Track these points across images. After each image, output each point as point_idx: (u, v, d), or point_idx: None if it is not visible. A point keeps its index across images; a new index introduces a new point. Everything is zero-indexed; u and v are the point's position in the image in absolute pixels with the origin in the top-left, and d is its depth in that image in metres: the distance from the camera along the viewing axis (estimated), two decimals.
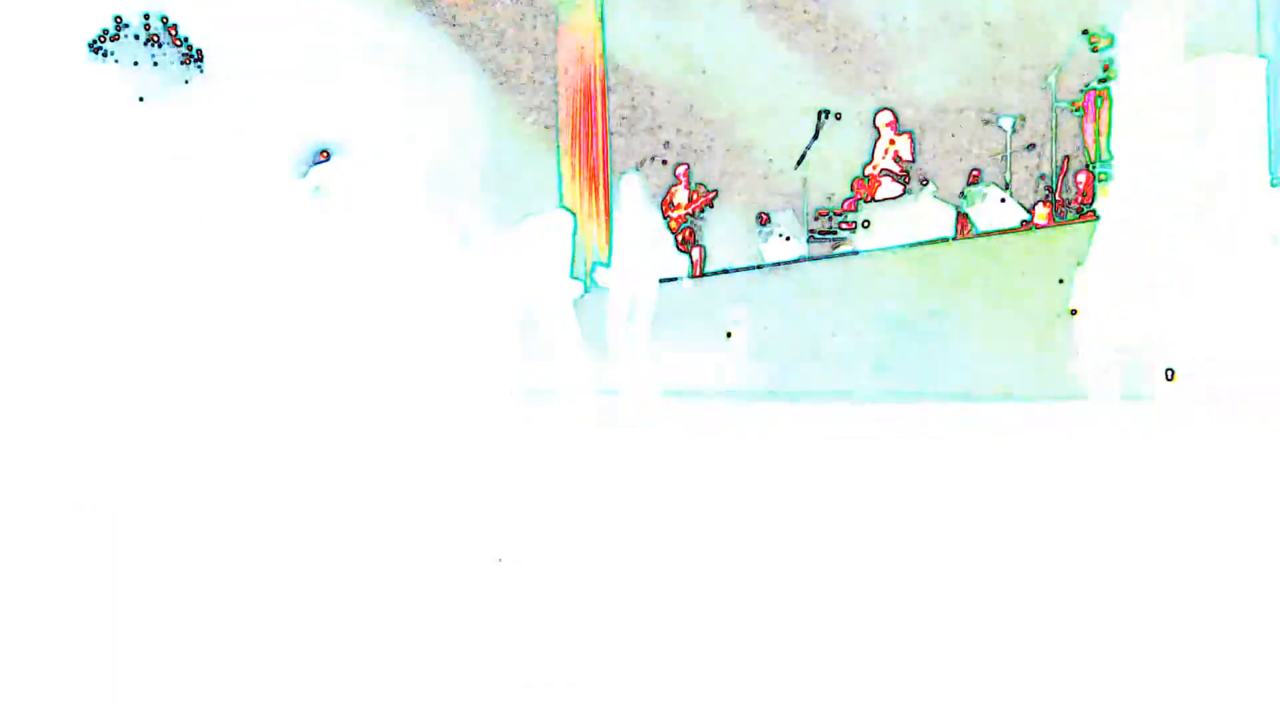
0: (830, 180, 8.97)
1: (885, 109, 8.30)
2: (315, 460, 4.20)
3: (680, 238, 10.42)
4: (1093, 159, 6.76)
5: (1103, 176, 6.65)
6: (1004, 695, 1.13)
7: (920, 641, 1.33)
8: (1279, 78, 7.12)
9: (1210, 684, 1.15)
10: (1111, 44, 6.56)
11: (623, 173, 8.21)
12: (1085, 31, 6.67)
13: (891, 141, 8.22)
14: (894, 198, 7.82)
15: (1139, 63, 4.98)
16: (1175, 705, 1.09)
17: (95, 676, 1.28)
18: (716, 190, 10.31)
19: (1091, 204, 6.70)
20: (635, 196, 7.65)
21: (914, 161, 8.04)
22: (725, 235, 10.45)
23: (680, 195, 10.71)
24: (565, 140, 12.62)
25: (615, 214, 7.87)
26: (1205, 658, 1.24)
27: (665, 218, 10.56)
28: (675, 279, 7.73)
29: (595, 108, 12.51)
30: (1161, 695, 1.12)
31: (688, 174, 10.65)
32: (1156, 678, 1.17)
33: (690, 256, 10.15)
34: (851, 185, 8.61)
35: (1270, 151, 6.39)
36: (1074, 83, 6.91)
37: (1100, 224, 6.10)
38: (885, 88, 9.34)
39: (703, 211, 10.38)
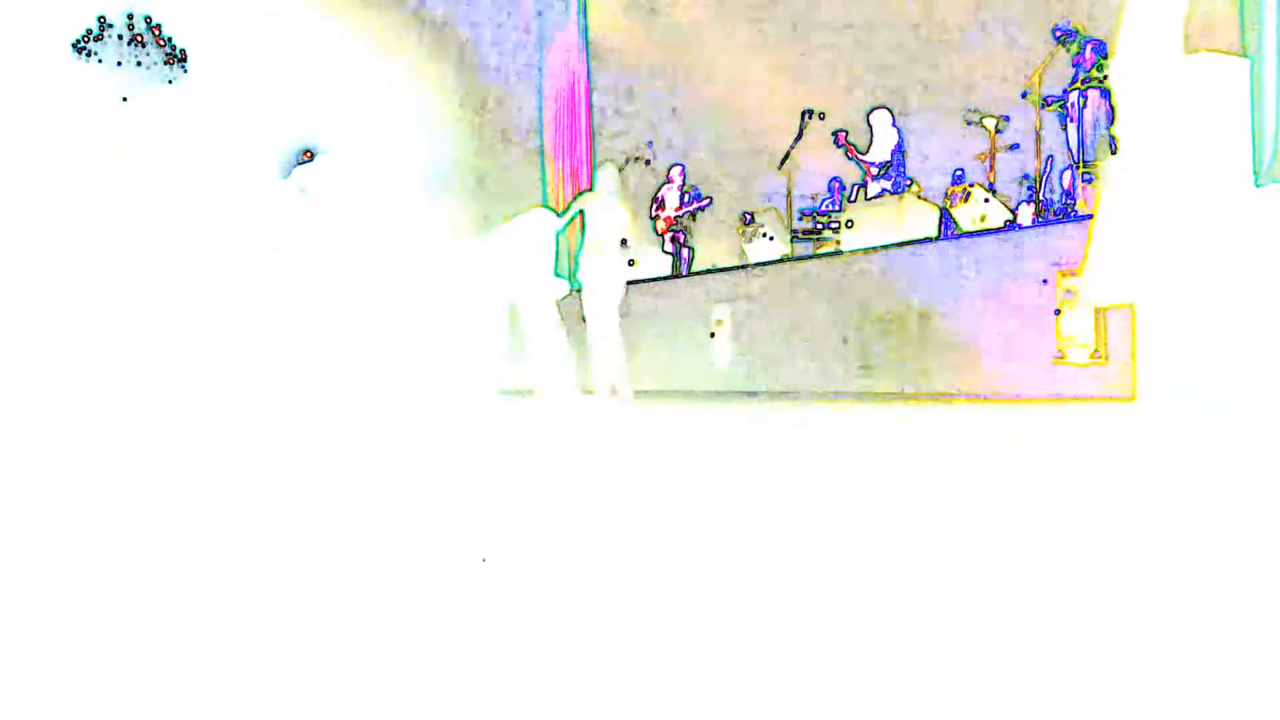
0: (814, 180, 8.95)
1: (882, 107, 8.24)
2: (297, 458, 4.16)
3: (668, 238, 10.24)
4: (1077, 159, 6.73)
5: (1087, 176, 6.62)
6: (1001, 699, 1.10)
7: (917, 644, 1.29)
8: (1263, 79, 7.10)
9: (1208, 686, 1.11)
10: (1080, 42, 6.55)
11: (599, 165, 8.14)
12: (1055, 31, 6.66)
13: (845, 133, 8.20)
14: (860, 184, 7.82)
15: (1134, 61, 4.95)
16: (1175, 706, 1.06)
17: (83, 673, 1.24)
18: (710, 198, 10.09)
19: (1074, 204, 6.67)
20: (609, 188, 7.55)
21: (866, 152, 8.07)
22: (711, 235, 10.40)
23: (671, 197, 10.44)
24: (549, 141, 12.58)
25: (576, 204, 7.65)
26: (1203, 659, 1.21)
27: (654, 219, 10.40)
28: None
29: (579, 108, 12.47)
30: (1161, 697, 1.09)
31: (682, 175, 10.40)
32: (1152, 681, 1.14)
33: (678, 257, 10.08)
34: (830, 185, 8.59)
35: (1254, 152, 6.36)
36: (1054, 83, 6.89)
37: (1092, 223, 6.08)
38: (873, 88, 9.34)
39: (694, 216, 10.22)
